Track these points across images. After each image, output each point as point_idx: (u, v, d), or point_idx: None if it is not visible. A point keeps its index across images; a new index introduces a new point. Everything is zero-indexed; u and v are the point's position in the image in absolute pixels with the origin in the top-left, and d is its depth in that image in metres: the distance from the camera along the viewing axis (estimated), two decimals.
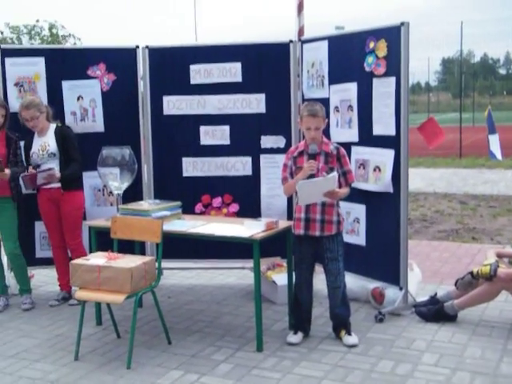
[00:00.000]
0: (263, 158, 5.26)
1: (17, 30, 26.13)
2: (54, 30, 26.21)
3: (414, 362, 3.73)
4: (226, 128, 5.26)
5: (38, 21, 26.53)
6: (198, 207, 5.32)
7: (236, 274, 5.75)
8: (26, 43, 24.40)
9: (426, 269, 5.54)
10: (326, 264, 4.05)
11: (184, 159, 5.33)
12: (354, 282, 4.75)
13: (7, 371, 3.76)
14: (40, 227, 5.19)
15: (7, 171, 4.64)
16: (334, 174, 3.86)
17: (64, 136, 4.83)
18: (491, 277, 4.18)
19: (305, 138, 4.06)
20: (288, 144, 5.14)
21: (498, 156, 5.75)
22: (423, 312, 4.46)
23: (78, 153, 4.86)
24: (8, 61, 5.14)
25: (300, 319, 4.18)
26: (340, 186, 3.98)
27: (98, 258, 3.97)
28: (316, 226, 3.98)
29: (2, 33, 25.99)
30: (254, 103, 5.20)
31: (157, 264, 4.09)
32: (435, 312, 4.42)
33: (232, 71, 5.20)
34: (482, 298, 4.33)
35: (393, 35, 4.39)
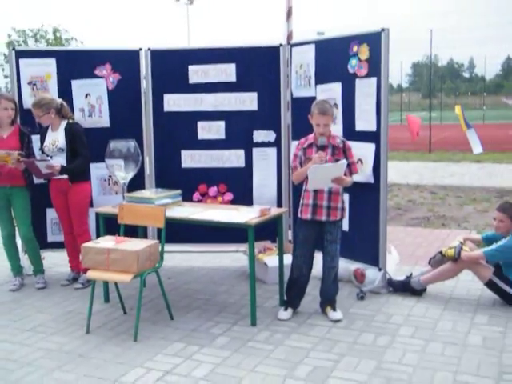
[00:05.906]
0: (255, 151, 5.28)
1: (23, 34, 25.81)
2: (58, 34, 25.92)
3: (392, 335, 3.79)
4: (222, 123, 5.27)
5: (42, 25, 26.23)
6: (196, 196, 5.34)
7: (230, 257, 5.78)
8: (31, 46, 24.12)
9: (402, 252, 5.60)
10: (325, 246, 4.08)
11: (183, 152, 5.34)
12: None
13: (26, 343, 3.78)
14: (51, 214, 5.18)
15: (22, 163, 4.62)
16: (344, 161, 3.91)
17: (72, 133, 4.76)
18: (456, 259, 4.33)
19: (314, 131, 4.07)
20: (278, 138, 5.18)
21: (479, 148, 5.50)
22: (394, 283, 4.60)
23: (86, 149, 4.78)
24: (22, 61, 5.11)
25: (294, 296, 4.22)
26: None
27: (106, 242, 3.98)
28: (323, 212, 4.02)
29: (9, 36, 25.69)
30: (247, 101, 5.22)
31: (160, 247, 4.11)
32: (402, 284, 4.56)
33: (227, 71, 5.20)
34: (445, 276, 4.47)
35: (374, 40, 4.42)
